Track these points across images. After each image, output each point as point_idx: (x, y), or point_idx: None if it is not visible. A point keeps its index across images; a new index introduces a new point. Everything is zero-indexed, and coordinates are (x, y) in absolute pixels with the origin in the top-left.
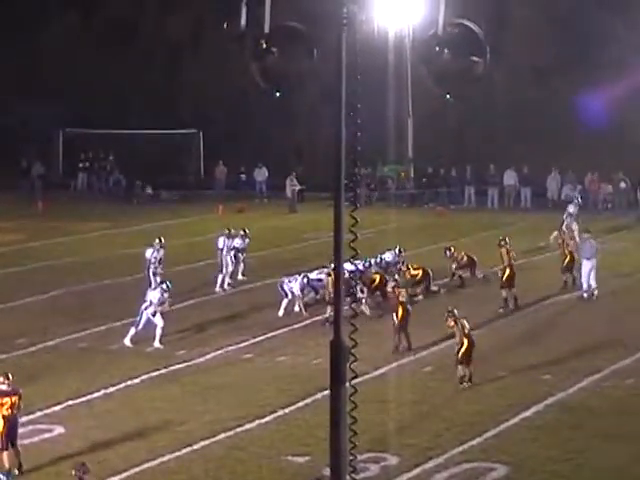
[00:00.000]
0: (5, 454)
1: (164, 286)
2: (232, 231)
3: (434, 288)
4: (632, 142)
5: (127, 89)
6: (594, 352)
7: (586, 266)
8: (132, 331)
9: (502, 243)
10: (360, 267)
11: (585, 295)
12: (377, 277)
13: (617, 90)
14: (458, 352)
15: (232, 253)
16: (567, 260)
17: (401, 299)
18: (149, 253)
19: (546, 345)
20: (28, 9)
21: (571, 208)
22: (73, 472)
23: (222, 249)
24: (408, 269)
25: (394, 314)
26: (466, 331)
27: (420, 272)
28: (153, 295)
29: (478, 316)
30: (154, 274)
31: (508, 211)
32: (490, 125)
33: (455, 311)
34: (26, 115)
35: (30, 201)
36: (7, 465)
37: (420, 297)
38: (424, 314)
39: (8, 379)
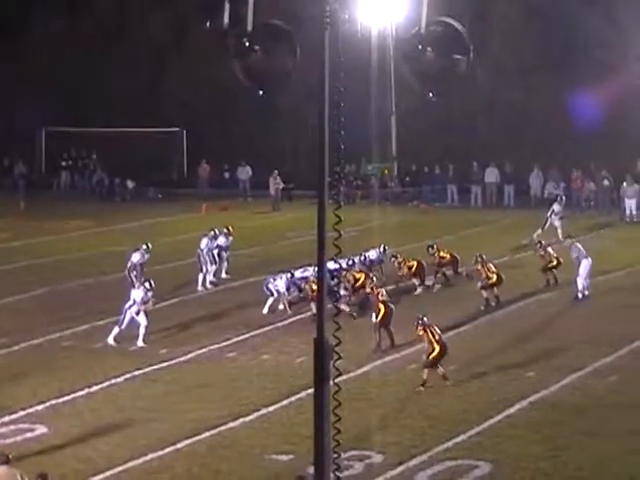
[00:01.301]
0: None
1: (147, 285)
2: (216, 232)
3: (428, 283)
4: (615, 141)
5: (111, 88)
6: (577, 350)
7: (582, 267)
8: (116, 330)
9: (478, 260)
10: (343, 265)
11: (580, 295)
12: (362, 276)
13: (601, 90)
14: (428, 356)
15: (216, 252)
16: (553, 263)
17: (381, 298)
18: (136, 258)
19: (530, 343)
20: (11, 10)
21: (556, 206)
22: None
23: (203, 250)
24: (404, 262)
25: (373, 313)
26: (437, 337)
27: (415, 264)
28: (136, 294)
29: (461, 313)
30: (136, 275)
31: (491, 209)
32: (473, 123)
33: (425, 319)
34: (9, 115)
35: (12, 200)
36: None
37: (420, 289)
38: (408, 312)
39: None
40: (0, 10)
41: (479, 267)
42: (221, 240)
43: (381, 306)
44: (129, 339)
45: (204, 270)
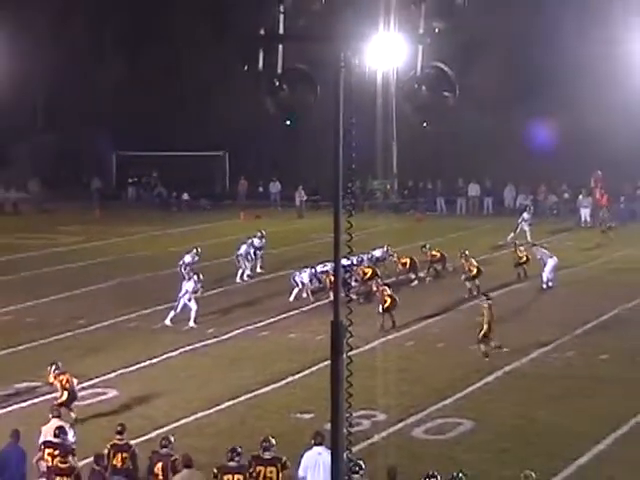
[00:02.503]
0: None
1: (196, 278)
2: (253, 240)
3: (421, 274)
4: (572, 161)
5: (169, 119)
6: (543, 330)
7: (549, 265)
8: (171, 314)
9: (462, 255)
10: (354, 262)
11: (545, 286)
12: (369, 270)
13: (562, 118)
14: (479, 334)
15: (252, 251)
16: (523, 260)
17: (387, 293)
18: (188, 259)
19: (504, 325)
20: (86, 54)
21: (525, 214)
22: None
23: (242, 254)
24: (399, 259)
25: (380, 304)
26: (487, 318)
27: (408, 260)
28: (188, 285)
29: (448, 301)
30: (187, 271)
31: (473, 217)
32: (459, 147)
33: (488, 295)
34: (88, 141)
35: (89, 209)
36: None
37: (416, 282)
38: (406, 298)
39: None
40: (75, 53)
41: (463, 261)
42: (256, 242)
43: (387, 298)
44: (182, 321)
45: (243, 267)
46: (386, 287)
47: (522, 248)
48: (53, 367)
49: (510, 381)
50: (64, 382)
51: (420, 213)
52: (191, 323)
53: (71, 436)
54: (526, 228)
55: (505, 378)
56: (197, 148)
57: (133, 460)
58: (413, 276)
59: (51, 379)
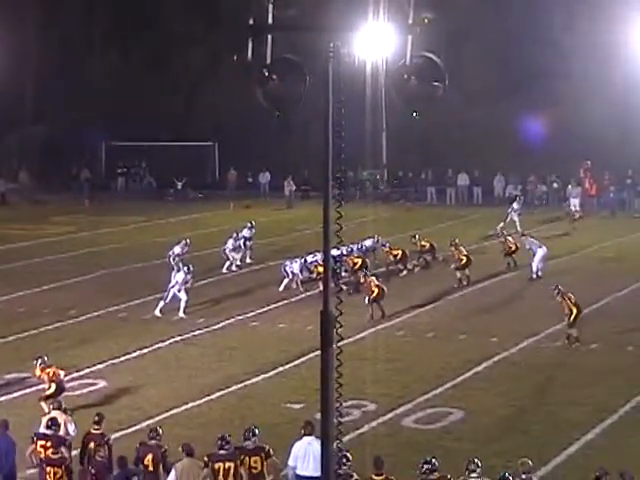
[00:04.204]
0: None
1: (186, 269)
2: (238, 233)
3: (409, 266)
4: (562, 152)
5: (158, 109)
6: (532, 320)
7: (538, 255)
8: (161, 304)
9: (452, 243)
10: (344, 252)
11: (534, 276)
12: (359, 260)
13: (550, 110)
14: (569, 318)
15: (241, 242)
16: (512, 249)
17: (374, 283)
18: (177, 250)
19: (494, 314)
20: (76, 45)
21: (515, 204)
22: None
23: (229, 247)
24: (390, 250)
25: (367, 295)
26: (572, 301)
27: (400, 252)
28: (178, 276)
29: (439, 291)
30: (177, 262)
31: (462, 206)
32: (448, 137)
33: (560, 287)
34: (76, 131)
35: (79, 200)
36: None
37: (405, 272)
38: (396, 288)
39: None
40: (67, 46)
41: (453, 249)
42: (246, 232)
43: (375, 288)
44: (172, 311)
45: (231, 259)
46: (373, 278)
47: (510, 238)
48: (39, 361)
49: (500, 370)
50: (51, 375)
51: (410, 203)
52: (180, 313)
53: (72, 430)
54: (515, 218)
55: (495, 367)
56: (187, 138)
57: (108, 451)
58: (402, 267)
59: (37, 372)
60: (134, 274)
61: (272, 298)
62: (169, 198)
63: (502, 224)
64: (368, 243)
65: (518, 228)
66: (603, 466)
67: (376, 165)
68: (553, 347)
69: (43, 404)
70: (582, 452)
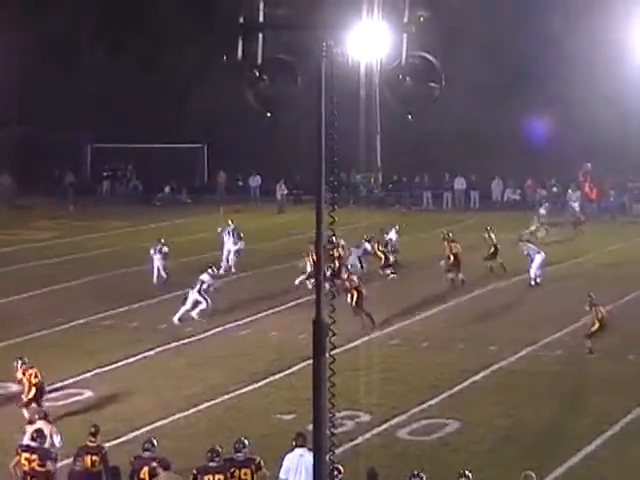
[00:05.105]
0: None
1: (210, 270)
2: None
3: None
4: (562, 154)
5: (145, 111)
6: (530, 328)
7: (536, 261)
8: (182, 310)
9: (445, 237)
10: (368, 248)
11: (532, 282)
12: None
13: (549, 113)
14: (590, 328)
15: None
16: (491, 251)
17: (354, 284)
18: (152, 251)
19: (491, 322)
20: (62, 44)
21: (542, 210)
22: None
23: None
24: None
25: (349, 297)
26: (600, 316)
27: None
28: (204, 277)
29: (435, 298)
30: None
31: (459, 211)
32: (444, 139)
33: (592, 296)
34: (61, 133)
35: (63, 204)
36: None
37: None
38: (389, 296)
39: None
40: (52, 45)
41: (445, 243)
42: (228, 241)
43: (354, 291)
44: (159, 319)
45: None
46: (354, 277)
47: (492, 237)
48: (20, 362)
49: (498, 380)
50: (32, 377)
51: (405, 208)
52: (176, 319)
53: (57, 441)
54: (536, 223)
55: (493, 377)
56: (174, 140)
57: (104, 463)
58: (388, 271)
59: (19, 375)
60: (120, 281)
61: (262, 306)
62: (156, 202)
63: (533, 228)
64: (368, 247)
65: (538, 234)
66: (605, 477)
67: (370, 168)
68: (553, 356)
69: (24, 410)
70: (583, 463)
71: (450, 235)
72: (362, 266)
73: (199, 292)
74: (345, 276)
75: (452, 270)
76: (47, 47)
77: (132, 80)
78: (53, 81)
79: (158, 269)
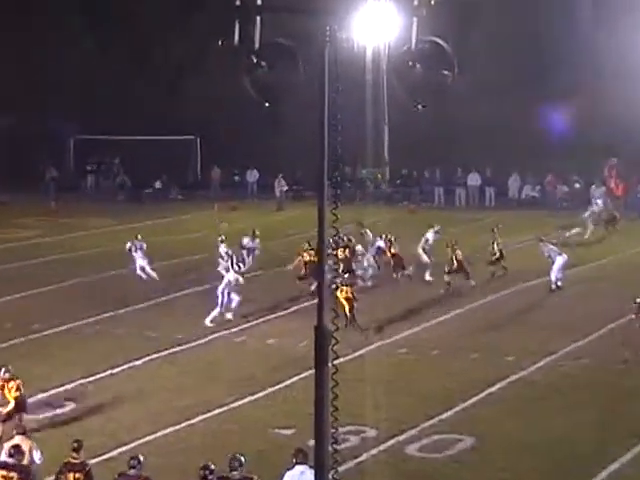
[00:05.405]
0: None
1: (236, 267)
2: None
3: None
4: (585, 147)
5: (134, 100)
6: (552, 335)
7: (557, 263)
8: (215, 312)
9: (450, 244)
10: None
11: (553, 286)
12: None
13: (570, 103)
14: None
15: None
16: (495, 256)
17: (348, 295)
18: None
19: (510, 328)
20: (43, 30)
21: (595, 207)
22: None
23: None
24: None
25: (343, 309)
26: None
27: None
28: (230, 275)
29: (446, 303)
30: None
31: (473, 209)
32: (457, 132)
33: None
34: (42, 125)
35: (45, 201)
36: None
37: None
38: (396, 302)
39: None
40: (34, 32)
41: (449, 250)
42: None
43: (344, 302)
44: (148, 325)
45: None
46: (346, 289)
47: (496, 245)
48: (2, 370)
49: (515, 392)
50: (13, 389)
51: (414, 205)
52: (229, 314)
53: (37, 458)
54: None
55: (510, 388)
56: (165, 132)
57: None
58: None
59: None
60: (106, 283)
61: (260, 311)
62: (145, 199)
63: (579, 230)
64: (381, 244)
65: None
66: None
67: (377, 162)
68: (575, 365)
69: None
70: None
71: (454, 242)
72: (379, 267)
73: (227, 293)
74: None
75: (452, 275)
76: (31, 32)
77: (119, 67)
78: (33, 67)
79: (143, 268)
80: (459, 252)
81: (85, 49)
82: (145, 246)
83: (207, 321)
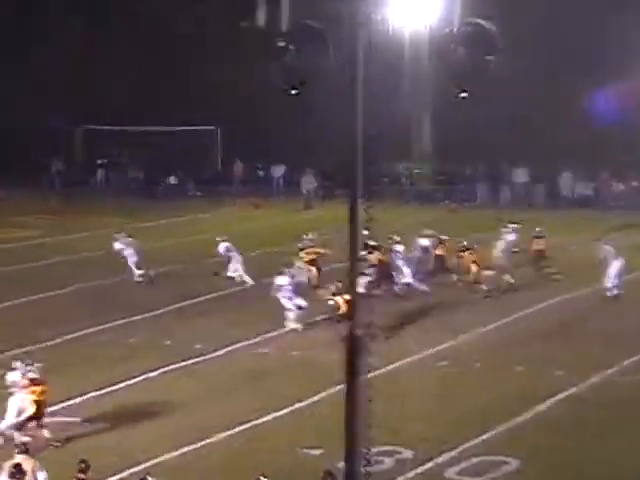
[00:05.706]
0: None
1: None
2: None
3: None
4: None
5: (147, 88)
6: (607, 348)
7: (612, 267)
8: (292, 314)
9: (463, 248)
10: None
11: (609, 293)
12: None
13: (627, 90)
14: None
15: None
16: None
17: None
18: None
19: (559, 340)
20: (45, 15)
21: None
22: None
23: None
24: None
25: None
26: None
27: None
28: (281, 280)
29: (490, 313)
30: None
31: (520, 208)
32: (502, 122)
33: None
34: (46, 115)
35: (47, 197)
36: None
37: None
38: (439, 313)
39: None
40: (34, 15)
41: (462, 255)
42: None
43: (343, 305)
44: (163, 334)
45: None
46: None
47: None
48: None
49: (565, 410)
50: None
51: (455, 204)
52: (292, 324)
53: (41, 479)
54: None
55: (559, 406)
56: (182, 122)
57: None
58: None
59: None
60: (118, 289)
61: (284, 320)
62: (158, 196)
63: None
64: (426, 242)
65: None
66: None
67: (416, 156)
68: (632, 382)
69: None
70: None
71: (465, 244)
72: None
73: (288, 298)
74: (339, 284)
75: (481, 279)
76: (24, 16)
77: (127, 48)
78: (38, 57)
79: (138, 265)
80: (471, 254)
81: (86, 32)
82: (133, 241)
83: (290, 324)
